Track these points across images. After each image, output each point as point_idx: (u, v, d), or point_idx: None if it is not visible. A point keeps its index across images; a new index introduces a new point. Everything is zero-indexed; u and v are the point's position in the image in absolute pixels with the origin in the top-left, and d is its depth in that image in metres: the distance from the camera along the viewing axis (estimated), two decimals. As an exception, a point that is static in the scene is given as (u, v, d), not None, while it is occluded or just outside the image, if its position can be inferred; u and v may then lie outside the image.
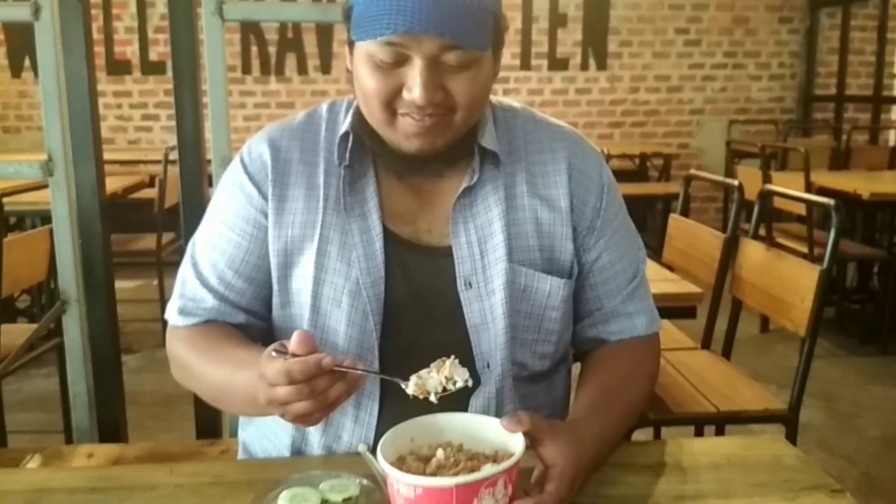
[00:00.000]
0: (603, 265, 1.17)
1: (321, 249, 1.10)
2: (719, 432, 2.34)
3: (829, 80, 6.81)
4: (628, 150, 5.97)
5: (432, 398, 0.96)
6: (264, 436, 1.19)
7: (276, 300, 1.15)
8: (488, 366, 1.12)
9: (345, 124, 1.11)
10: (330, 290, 1.10)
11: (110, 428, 1.92)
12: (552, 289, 1.13)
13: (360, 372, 0.92)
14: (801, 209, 4.06)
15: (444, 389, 0.96)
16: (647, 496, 1.00)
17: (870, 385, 3.68)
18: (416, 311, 1.12)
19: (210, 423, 1.91)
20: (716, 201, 6.51)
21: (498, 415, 1.12)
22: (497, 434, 0.94)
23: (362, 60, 1.01)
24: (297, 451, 1.15)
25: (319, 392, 0.89)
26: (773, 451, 1.12)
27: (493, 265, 1.11)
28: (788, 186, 3.48)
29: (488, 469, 0.86)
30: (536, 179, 1.15)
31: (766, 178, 4.07)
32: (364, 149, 1.12)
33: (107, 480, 1.04)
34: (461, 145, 1.09)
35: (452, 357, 0.97)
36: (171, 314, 1.18)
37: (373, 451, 1.10)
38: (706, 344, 2.50)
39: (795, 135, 6.56)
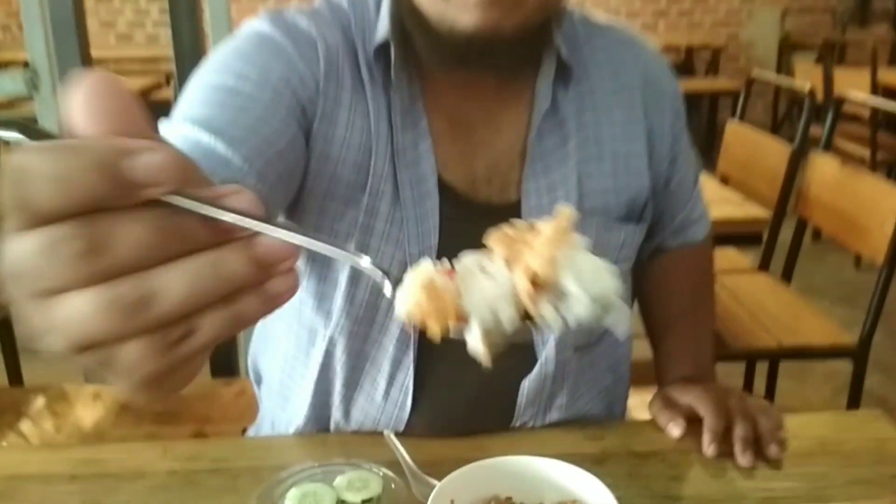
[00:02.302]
0: (676, 184, 1.01)
1: (370, 207, 0.86)
2: (773, 367, 2.16)
3: (894, -35, 6.29)
4: (673, 42, 5.61)
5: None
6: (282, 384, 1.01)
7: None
8: (545, 342, 0.93)
9: (380, 30, 0.85)
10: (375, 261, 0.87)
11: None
12: (626, 238, 0.95)
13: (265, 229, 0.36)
14: (861, 110, 3.75)
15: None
16: (729, 495, 0.83)
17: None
18: None
19: (225, 359, 1.77)
20: (763, 97, 6.13)
21: (551, 394, 0.95)
22: (550, 476, 0.76)
23: None
24: (317, 413, 0.97)
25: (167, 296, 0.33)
26: (873, 434, 0.94)
27: None
28: (852, 85, 3.19)
29: None
30: (610, 100, 0.93)
31: (828, 78, 3.74)
32: (408, 67, 0.86)
33: (90, 465, 0.89)
34: (534, 42, 0.84)
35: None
36: None
37: (404, 431, 0.94)
38: (765, 265, 2.29)
39: (852, 25, 6.11)
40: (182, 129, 0.75)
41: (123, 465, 0.89)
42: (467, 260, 0.44)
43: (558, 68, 0.89)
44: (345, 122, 0.84)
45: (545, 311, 0.42)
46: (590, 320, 0.41)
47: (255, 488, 0.83)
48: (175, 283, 0.32)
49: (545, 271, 0.40)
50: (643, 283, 1.06)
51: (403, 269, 0.43)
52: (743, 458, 0.87)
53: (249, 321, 0.35)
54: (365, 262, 0.41)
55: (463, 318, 0.42)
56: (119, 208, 0.31)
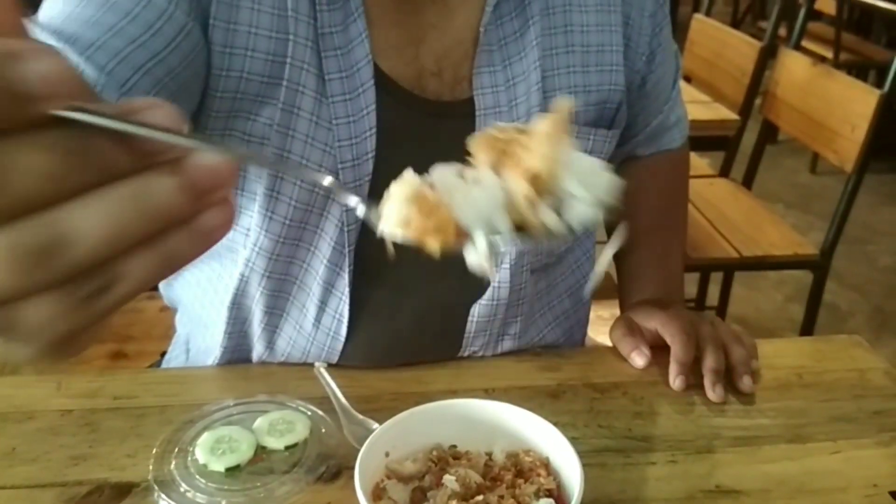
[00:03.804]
0: (653, 84, 0.88)
1: (290, 103, 0.71)
2: (728, 276, 2.10)
3: None
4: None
5: None
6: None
7: None
8: (500, 263, 0.81)
9: None
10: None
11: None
12: (595, 146, 0.82)
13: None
14: (827, 6, 3.63)
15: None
16: (698, 434, 0.74)
17: (882, 207, 3.43)
18: None
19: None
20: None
21: (504, 321, 0.84)
22: (499, 421, 0.65)
23: None
24: (235, 342, 0.85)
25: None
26: (854, 364, 0.86)
27: (522, 120, 0.77)
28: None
29: None
30: None
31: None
32: None
33: (-30, 403, 0.77)
34: None
35: None
36: None
37: (338, 363, 0.83)
38: (726, 171, 2.20)
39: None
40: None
41: (9, 403, 0.77)
42: (442, 171, 0.39)
43: None
44: (248, 2, 0.68)
45: (547, 217, 0.38)
46: (592, 224, 0.39)
47: (161, 431, 0.72)
48: (90, 221, 0.25)
49: (548, 171, 0.37)
50: None
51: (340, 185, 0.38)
52: (713, 392, 0.78)
53: (179, 265, 0.28)
54: (326, 180, 0.36)
55: (463, 234, 0.37)
56: (9, 131, 0.23)
